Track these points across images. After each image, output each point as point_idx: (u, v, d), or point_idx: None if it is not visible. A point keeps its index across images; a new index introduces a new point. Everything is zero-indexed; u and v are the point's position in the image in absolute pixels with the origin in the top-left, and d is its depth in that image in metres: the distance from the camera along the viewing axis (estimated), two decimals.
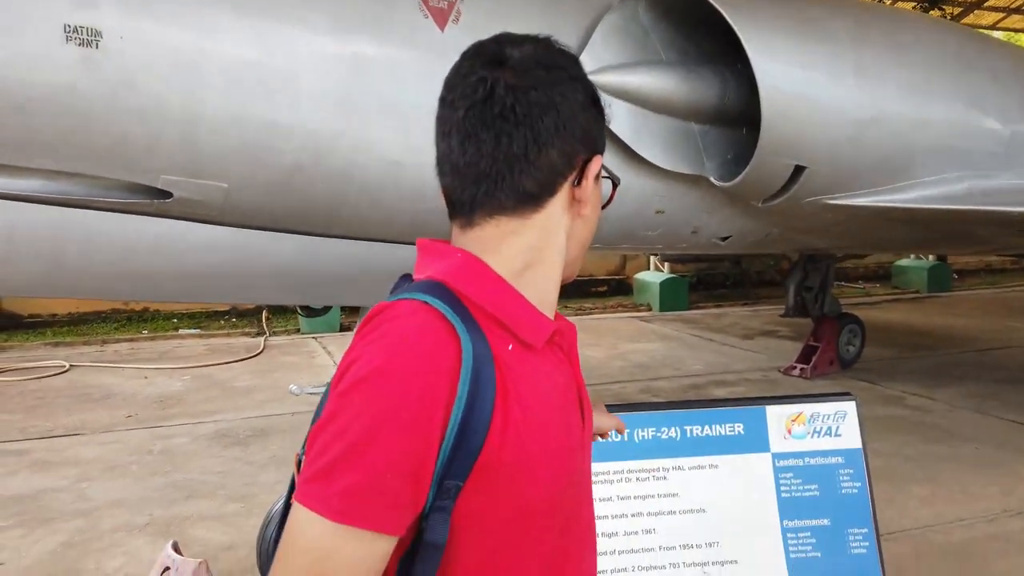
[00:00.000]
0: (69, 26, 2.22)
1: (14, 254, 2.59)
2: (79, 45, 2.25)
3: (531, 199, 1.02)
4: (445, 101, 1.04)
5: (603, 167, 1.09)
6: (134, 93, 2.41)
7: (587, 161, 1.05)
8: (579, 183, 1.04)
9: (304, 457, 0.94)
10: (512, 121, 0.98)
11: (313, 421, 1.02)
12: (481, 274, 1.00)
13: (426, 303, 0.94)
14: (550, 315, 1.06)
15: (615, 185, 1.14)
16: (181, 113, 2.51)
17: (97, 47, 2.29)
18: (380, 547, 0.90)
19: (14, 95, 2.26)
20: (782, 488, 2.78)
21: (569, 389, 1.08)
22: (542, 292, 1.05)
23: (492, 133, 0.99)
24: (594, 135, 1.06)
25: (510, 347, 0.98)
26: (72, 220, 2.62)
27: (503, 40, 1.04)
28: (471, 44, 1.06)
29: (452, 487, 0.91)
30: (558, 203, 1.04)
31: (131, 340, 8.92)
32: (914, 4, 14.47)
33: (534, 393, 0.98)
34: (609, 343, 8.63)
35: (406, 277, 1.09)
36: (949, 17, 14.83)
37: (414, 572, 0.93)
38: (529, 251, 1.03)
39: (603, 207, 1.12)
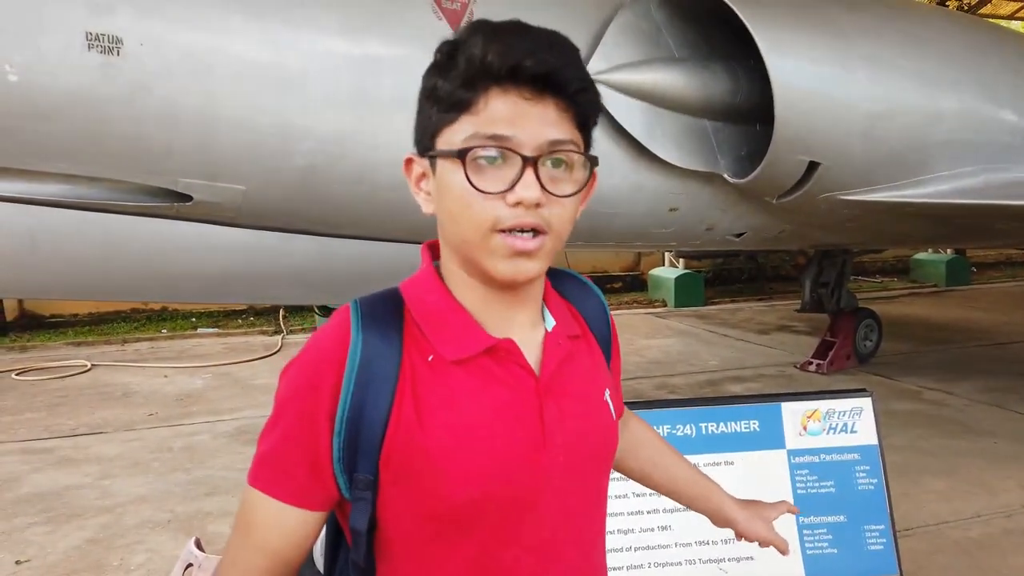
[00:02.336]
0: (91, 34, 2.27)
1: (37, 258, 2.64)
2: (100, 52, 2.30)
3: None
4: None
5: (449, 151, 0.94)
6: (153, 98, 2.45)
7: (407, 160, 1.04)
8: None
9: None
10: None
11: None
12: (423, 286, 1.04)
13: (348, 305, 1.03)
14: (501, 323, 1.02)
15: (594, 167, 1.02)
16: (198, 117, 2.56)
17: (118, 54, 2.33)
18: (287, 515, 0.99)
19: (38, 102, 2.31)
20: (798, 484, 2.78)
21: (517, 403, 1.01)
22: (474, 297, 1.01)
23: None
24: (418, 130, 1.02)
25: (430, 358, 0.99)
26: (93, 224, 2.67)
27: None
28: None
29: (363, 480, 0.98)
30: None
31: (151, 339, 9.02)
32: None
33: (449, 404, 0.98)
34: (624, 339, 8.48)
35: None
36: (966, 8, 14.67)
37: (351, 554, 1.03)
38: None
39: (508, 188, 0.93)
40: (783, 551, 1.41)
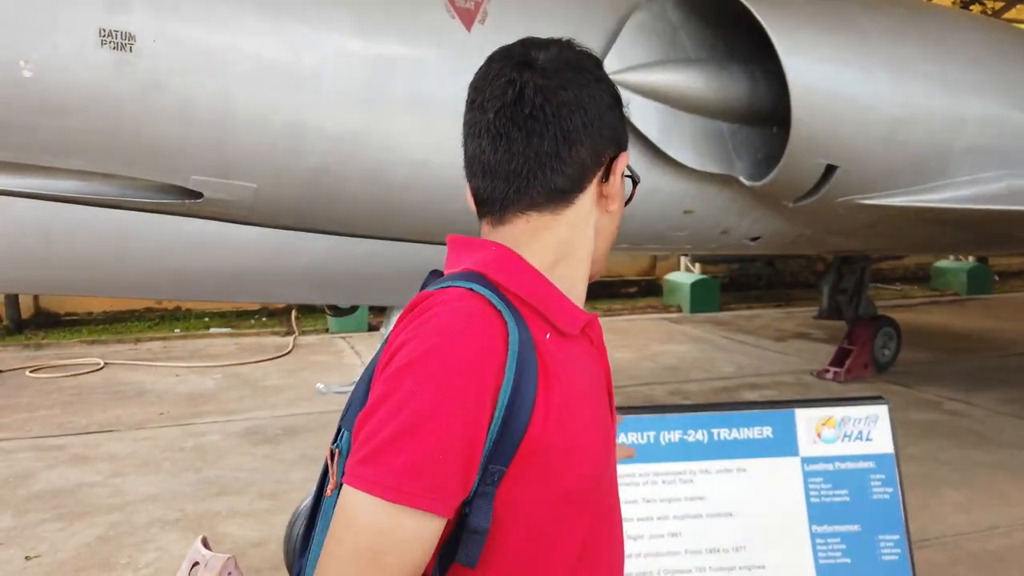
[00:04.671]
0: (104, 30, 2.27)
1: (52, 253, 2.64)
2: (113, 49, 2.29)
3: (562, 195, 1.05)
4: (474, 103, 1.07)
5: (632, 171, 1.14)
6: (165, 95, 2.45)
7: (614, 158, 1.08)
8: (607, 179, 1.08)
9: (351, 442, 0.95)
10: (542, 120, 1.02)
11: (344, 413, 1.06)
12: (517, 265, 1.03)
13: (471, 290, 0.97)
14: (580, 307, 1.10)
15: (635, 183, 1.16)
16: (211, 114, 2.55)
17: (131, 50, 2.33)
18: (431, 528, 0.91)
19: (51, 98, 2.31)
20: (811, 493, 2.73)
21: (599, 379, 1.11)
22: (571, 285, 1.08)
23: (523, 132, 1.02)
24: (619, 133, 1.10)
25: (548, 336, 1.01)
26: (106, 220, 2.67)
27: (528, 43, 1.08)
28: (496, 48, 1.10)
29: (496, 472, 0.93)
30: (587, 199, 1.07)
31: (163, 338, 9.08)
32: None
33: (572, 379, 1.02)
34: (639, 344, 8.58)
35: (435, 273, 1.12)
36: (991, 12, 14.51)
37: (459, 557, 0.94)
38: (560, 245, 1.06)
39: (625, 204, 1.15)
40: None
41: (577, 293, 1.09)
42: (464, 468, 0.91)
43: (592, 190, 1.07)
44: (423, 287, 1.09)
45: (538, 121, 1.01)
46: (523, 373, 0.94)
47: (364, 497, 0.89)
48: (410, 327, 0.96)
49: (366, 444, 0.91)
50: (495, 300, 0.96)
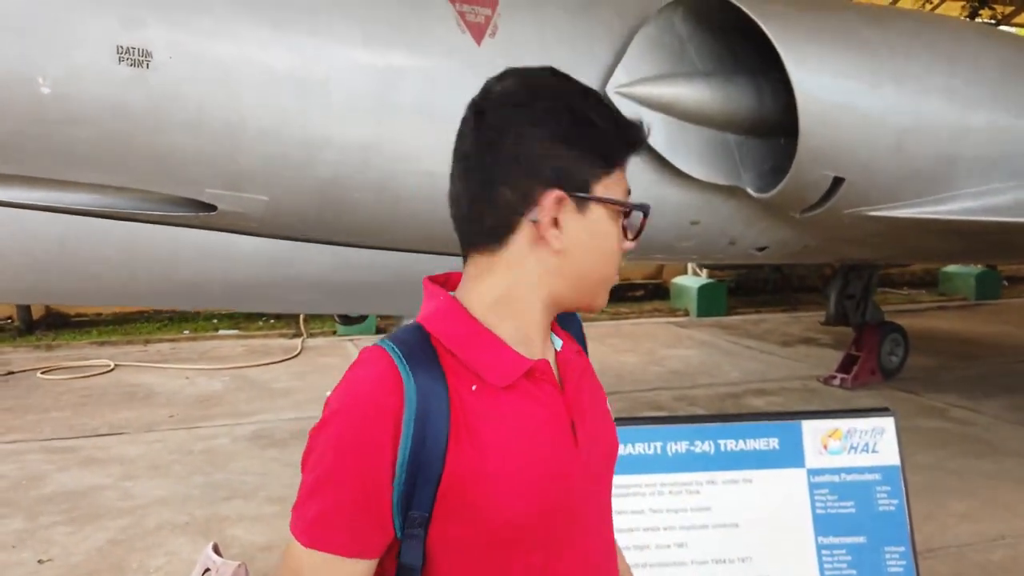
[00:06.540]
0: (121, 47, 2.31)
1: (67, 265, 2.69)
2: (130, 65, 2.33)
3: (492, 237, 1.05)
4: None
5: (621, 202, 1.06)
6: (180, 110, 2.49)
7: (559, 197, 1.02)
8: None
9: None
10: (472, 159, 1.04)
11: None
12: (452, 317, 1.06)
13: (383, 348, 1.02)
14: (532, 347, 1.08)
15: (645, 215, 1.10)
16: (224, 129, 2.59)
17: (147, 66, 2.37)
18: (351, 569, 0.99)
19: (69, 114, 2.35)
20: (817, 504, 2.74)
21: (554, 419, 1.08)
22: (519, 325, 1.07)
23: (461, 170, 1.05)
24: (564, 171, 1.03)
25: (473, 387, 1.03)
26: (119, 232, 2.71)
27: (504, 75, 1.08)
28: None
29: (418, 517, 0.99)
30: (521, 239, 1.04)
31: (172, 340, 9.14)
32: (963, 3, 14.13)
33: (499, 428, 1.02)
34: (645, 349, 8.59)
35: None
36: (1000, 16, 14.45)
37: None
38: (498, 286, 1.06)
39: (634, 238, 1.10)
40: None
41: (527, 334, 1.07)
42: (374, 515, 0.98)
43: (525, 231, 1.03)
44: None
45: (469, 160, 1.04)
46: (426, 427, 0.98)
47: (293, 541, 1.01)
48: (337, 385, 1.04)
49: (298, 493, 1.02)
50: (398, 359, 1.00)
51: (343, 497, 0.98)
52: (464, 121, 1.06)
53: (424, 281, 1.13)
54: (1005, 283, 12.62)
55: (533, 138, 1.02)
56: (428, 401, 0.99)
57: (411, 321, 1.09)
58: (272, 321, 9.95)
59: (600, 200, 1.04)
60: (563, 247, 1.04)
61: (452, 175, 1.07)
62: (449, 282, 1.13)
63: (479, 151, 1.03)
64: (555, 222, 1.03)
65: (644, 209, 1.09)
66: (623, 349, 8.52)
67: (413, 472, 0.98)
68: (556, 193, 1.02)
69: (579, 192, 1.03)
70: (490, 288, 1.06)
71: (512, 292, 1.06)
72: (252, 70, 2.59)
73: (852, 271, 7.15)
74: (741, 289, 11.76)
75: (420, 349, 1.02)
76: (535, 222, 1.02)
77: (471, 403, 1.02)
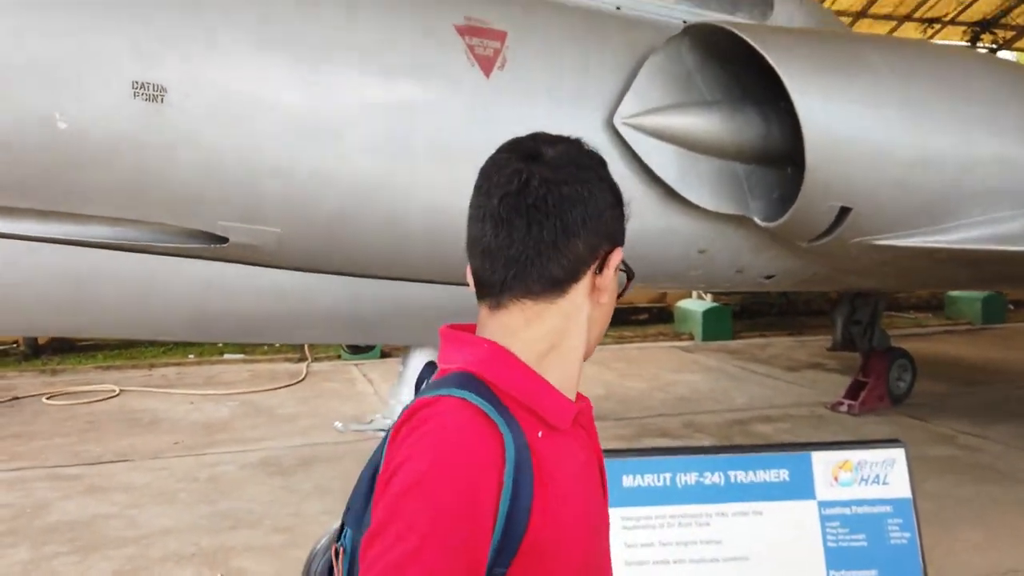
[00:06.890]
0: (137, 83, 2.34)
1: (80, 298, 2.70)
2: (146, 100, 2.36)
3: (557, 284, 1.09)
4: (480, 189, 1.11)
5: (627, 264, 1.17)
6: (194, 144, 2.52)
7: (609, 253, 1.12)
8: (600, 272, 1.12)
9: (359, 560, 0.96)
10: (544, 211, 1.06)
11: (347, 510, 1.09)
12: (508, 363, 1.07)
13: (465, 399, 0.99)
14: (572, 396, 1.13)
15: (630, 278, 1.20)
16: (237, 162, 2.61)
17: (162, 101, 2.40)
18: None
19: (85, 149, 2.38)
20: (828, 537, 2.72)
21: (591, 466, 1.13)
22: (565, 374, 1.11)
23: (525, 220, 1.07)
24: (615, 230, 1.14)
25: (540, 434, 1.04)
26: (132, 264, 2.73)
27: (539, 138, 1.14)
28: (508, 140, 1.15)
29: (498, 574, 0.97)
30: (581, 290, 1.11)
31: (178, 364, 9.15)
32: (964, 28, 14.24)
33: (564, 474, 1.05)
34: (650, 374, 8.57)
35: (430, 365, 1.17)
36: (1001, 41, 14.55)
37: None
38: (553, 334, 1.09)
39: (618, 297, 1.20)
40: None
41: (570, 383, 1.12)
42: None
43: (586, 282, 1.10)
44: (418, 382, 1.15)
45: (539, 211, 1.06)
46: (520, 479, 0.97)
47: None
48: (408, 441, 0.98)
49: (374, 567, 0.92)
50: (488, 410, 0.98)
51: (445, 565, 0.91)
52: (517, 173, 1.07)
53: (446, 330, 1.13)
54: (1011, 307, 12.60)
55: (601, 199, 1.10)
56: (520, 451, 0.98)
57: (456, 368, 1.06)
58: (277, 345, 9.95)
59: (621, 264, 1.15)
60: (607, 300, 1.14)
61: (498, 220, 1.07)
62: (469, 332, 1.14)
63: (553, 203, 1.06)
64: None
65: (632, 274, 1.21)
66: (628, 374, 8.50)
67: (507, 530, 0.96)
68: (618, 251, 1.13)
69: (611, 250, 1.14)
70: (543, 335, 1.09)
71: (565, 340, 1.10)
72: (264, 104, 2.62)
73: (859, 296, 7.15)
74: (746, 313, 11.76)
75: (491, 397, 1.01)
76: (598, 275, 1.11)
77: (542, 450, 1.02)
